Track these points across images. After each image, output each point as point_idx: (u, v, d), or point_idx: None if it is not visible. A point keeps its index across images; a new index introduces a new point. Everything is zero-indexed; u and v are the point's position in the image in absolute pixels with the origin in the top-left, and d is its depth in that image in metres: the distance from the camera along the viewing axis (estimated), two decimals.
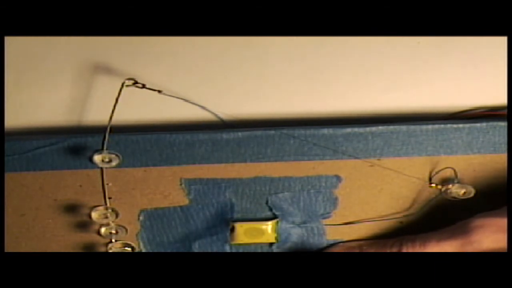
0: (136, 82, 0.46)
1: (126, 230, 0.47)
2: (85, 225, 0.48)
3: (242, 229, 0.48)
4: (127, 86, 0.46)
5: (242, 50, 0.49)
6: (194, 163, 0.47)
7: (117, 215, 0.47)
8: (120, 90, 0.45)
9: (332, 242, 0.49)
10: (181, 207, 0.48)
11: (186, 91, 0.49)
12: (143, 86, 0.46)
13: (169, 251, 0.49)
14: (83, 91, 0.49)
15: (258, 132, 0.47)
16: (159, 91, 0.47)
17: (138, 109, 0.49)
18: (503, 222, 0.43)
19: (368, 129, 0.47)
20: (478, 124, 0.47)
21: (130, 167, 0.47)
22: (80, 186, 0.47)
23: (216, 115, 0.49)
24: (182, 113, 0.49)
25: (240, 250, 0.49)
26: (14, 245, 0.48)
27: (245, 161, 0.47)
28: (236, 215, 0.48)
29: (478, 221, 0.44)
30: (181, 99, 0.48)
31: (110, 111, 0.45)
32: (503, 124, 0.47)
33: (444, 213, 0.48)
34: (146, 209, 0.48)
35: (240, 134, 0.47)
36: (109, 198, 0.47)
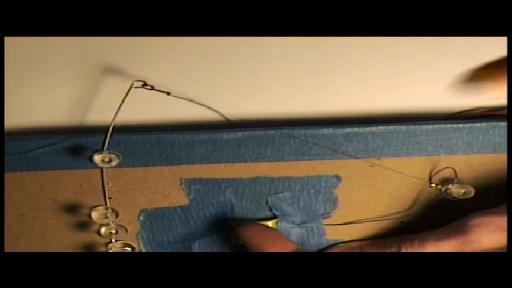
0: (145, 84, 0.46)
1: (126, 230, 0.47)
2: (85, 225, 0.48)
3: None
4: (136, 87, 0.45)
5: (242, 50, 0.49)
6: (194, 163, 0.47)
7: (117, 215, 0.47)
8: (128, 91, 0.45)
9: (332, 242, 0.49)
10: (181, 207, 0.48)
11: (186, 91, 0.49)
12: (152, 88, 0.46)
13: (169, 251, 0.49)
14: (83, 91, 0.49)
15: (258, 132, 0.47)
16: (168, 93, 0.46)
17: (137, 109, 0.49)
18: (501, 220, 0.43)
19: (368, 129, 0.47)
20: (478, 124, 0.47)
21: (130, 167, 0.47)
22: (80, 186, 0.47)
23: (222, 115, 0.49)
24: (181, 113, 0.49)
25: (240, 250, 0.49)
26: (14, 245, 0.48)
27: (245, 161, 0.47)
28: (236, 215, 0.48)
29: (475, 220, 0.44)
30: (189, 100, 0.48)
31: (111, 111, 0.45)
32: (503, 124, 0.47)
33: (444, 213, 0.48)
34: (146, 209, 0.48)
35: (240, 134, 0.47)
36: (109, 198, 0.47)
